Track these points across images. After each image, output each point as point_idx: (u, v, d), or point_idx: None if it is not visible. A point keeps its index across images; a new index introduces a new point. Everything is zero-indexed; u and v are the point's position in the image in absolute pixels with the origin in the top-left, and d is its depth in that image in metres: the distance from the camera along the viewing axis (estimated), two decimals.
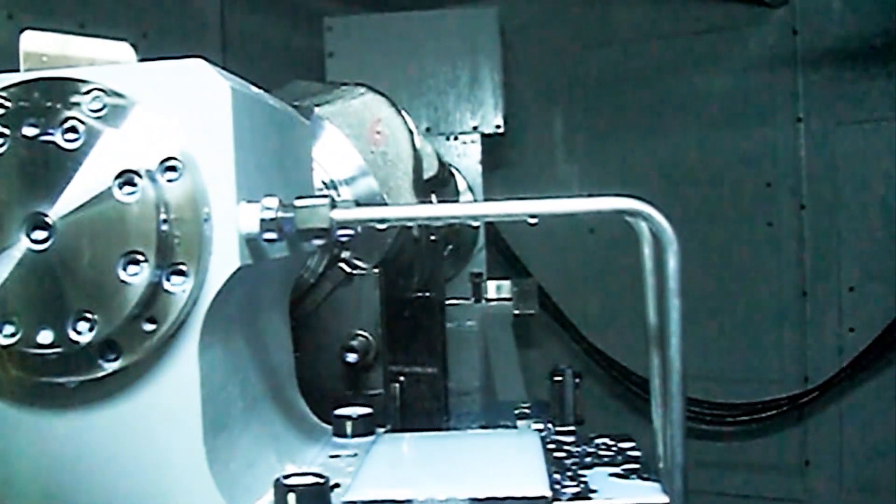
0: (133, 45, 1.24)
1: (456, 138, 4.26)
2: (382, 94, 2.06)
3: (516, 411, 2.52)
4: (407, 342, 2.14)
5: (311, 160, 1.59)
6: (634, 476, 1.29)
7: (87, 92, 1.09)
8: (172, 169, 1.08)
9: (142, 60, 1.18)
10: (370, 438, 1.48)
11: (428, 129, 4.21)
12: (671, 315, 1.12)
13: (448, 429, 2.35)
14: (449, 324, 3.14)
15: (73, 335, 1.06)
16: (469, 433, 1.57)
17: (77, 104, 1.08)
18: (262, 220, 1.13)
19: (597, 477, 1.29)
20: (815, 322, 4.54)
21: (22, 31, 1.21)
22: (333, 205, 1.15)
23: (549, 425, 2.21)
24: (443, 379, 2.49)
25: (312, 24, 4.27)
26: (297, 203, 1.15)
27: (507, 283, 4.09)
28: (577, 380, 2.36)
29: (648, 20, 4.81)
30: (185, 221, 1.08)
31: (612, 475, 1.30)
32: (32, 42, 1.20)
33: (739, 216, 4.67)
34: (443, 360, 2.57)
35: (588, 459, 1.38)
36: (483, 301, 3.99)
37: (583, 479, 1.28)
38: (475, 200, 3.93)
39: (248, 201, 1.14)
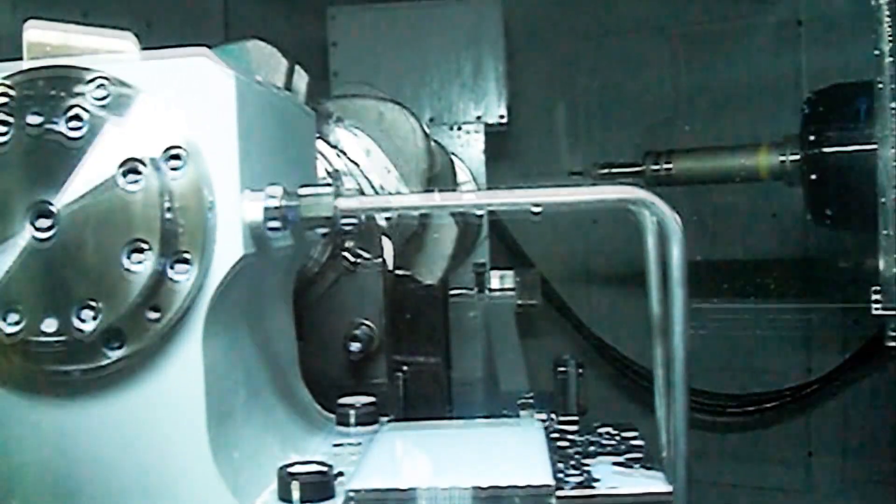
0: (136, 36, 1.24)
1: (459, 129, 4.26)
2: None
3: (519, 401, 2.51)
4: (410, 333, 2.14)
5: (315, 150, 1.58)
6: (637, 466, 1.29)
7: (91, 81, 1.09)
8: (176, 158, 1.08)
9: (144, 50, 1.18)
10: (373, 428, 1.48)
11: (431, 120, 4.21)
12: (675, 305, 1.11)
13: (451, 419, 2.34)
14: (452, 314, 3.14)
15: (77, 324, 1.06)
16: (472, 423, 1.57)
17: (81, 93, 1.08)
18: (266, 209, 1.13)
19: (600, 467, 1.29)
20: (818, 314, 4.53)
21: (25, 21, 1.21)
22: (337, 194, 1.15)
23: (553, 415, 2.21)
24: (446, 369, 2.49)
25: (316, 13, 4.26)
26: (301, 192, 1.15)
27: (510, 274, 4.10)
28: (580, 370, 2.36)
29: (652, 11, 4.79)
30: (188, 210, 1.08)
31: (615, 465, 1.30)
32: (36, 32, 1.20)
33: (744, 207, 4.66)
34: (446, 351, 2.57)
35: (591, 449, 1.38)
36: (486, 292, 4.00)
37: (586, 468, 1.28)
38: (479, 188, 3.92)
39: (253, 190, 1.14)
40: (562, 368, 2.33)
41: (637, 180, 3.66)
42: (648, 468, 1.28)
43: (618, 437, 1.43)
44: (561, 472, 1.26)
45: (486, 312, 3.80)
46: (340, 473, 1.23)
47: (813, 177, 3.26)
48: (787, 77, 4.50)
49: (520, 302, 4.05)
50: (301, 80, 1.99)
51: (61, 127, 1.06)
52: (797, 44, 4.46)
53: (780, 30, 4.51)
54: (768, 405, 4.57)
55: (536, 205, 1.17)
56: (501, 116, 4.27)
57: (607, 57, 4.94)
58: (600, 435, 1.45)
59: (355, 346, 1.76)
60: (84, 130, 1.06)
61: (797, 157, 3.34)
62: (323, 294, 1.83)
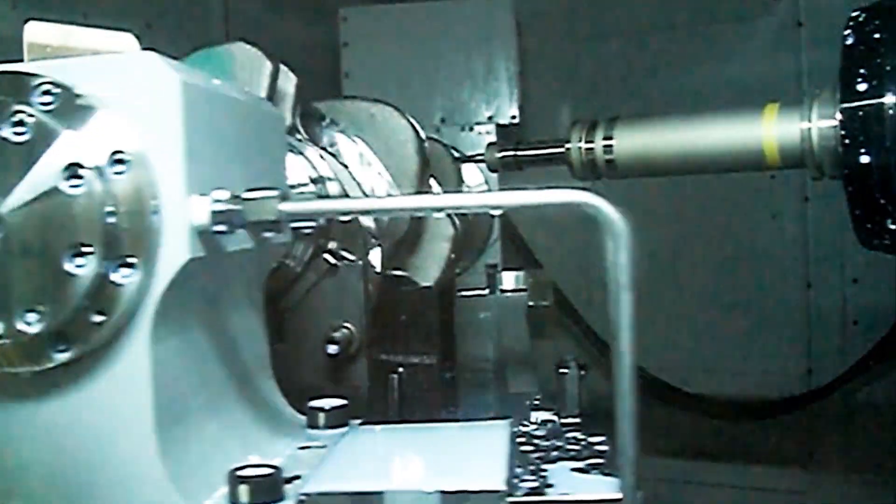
0: (136, 36, 1.25)
1: (471, 129, 4.25)
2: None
3: (527, 402, 2.50)
4: (400, 335, 2.14)
5: (285, 152, 1.58)
6: (596, 471, 1.28)
7: (38, 86, 1.10)
8: (120, 162, 1.09)
9: (145, 51, 1.18)
10: (343, 430, 1.48)
11: (443, 120, 4.21)
12: (621, 310, 1.10)
13: (454, 420, 2.34)
14: (463, 315, 3.15)
15: (21, 326, 1.08)
16: (443, 426, 1.56)
17: (26, 100, 1.09)
18: (213, 213, 1.13)
19: (558, 472, 1.28)
20: (819, 314, 4.50)
21: (25, 21, 1.23)
22: (284, 197, 1.15)
23: (556, 416, 2.20)
24: (441, 370, 2.49)
25: (324, 14, 4.28)
26: (245, 195, 1.15)
27: (521, 275, 4.08)
28: (583, 371, 2.34)
29: (662, 10, 4.78)
30: (132, 214, 1.09)
31: (573, 470, 1.29)
32: (36, 32, 1.22)
33: (744, 208, 4.63)
34: (442, 353, 2.56)
35: (554, 454, 1.37)
36: (497, 292, 3.99)
37: (543, 473, 1.27)
38: (489, 190, 3.91)
39: (201, 194, 1.14)
40: (564, 369, 2.32)
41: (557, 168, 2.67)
42: (607, 474, 1.27)
43: (584, 442, 1.42)
44: (517, 476, 1.25)
45: (497, 313, 3.80)
46: (297, 477, 1.23)
47: (863, 156, 1.89)
48: (787, 77, 4.46)
49: (531, 303, 4.04)
50: (288, 82, 1.99)
51: (6, 133, 1.07)
52: (797, 44, 4.42)
53: (780, 30, 4.48)
54: (769, 407, 4.53)
55: (496, 207, 1.17)
56: (513, 116, 4.26)
57: (619, 57, 4.92)
58: (567, 439, 1.44)
59: (333, 349, 1.76)
60: (28, 136, 1.07)
61: (831, 121, 1.99)
62: (304, 295, 1.83)
